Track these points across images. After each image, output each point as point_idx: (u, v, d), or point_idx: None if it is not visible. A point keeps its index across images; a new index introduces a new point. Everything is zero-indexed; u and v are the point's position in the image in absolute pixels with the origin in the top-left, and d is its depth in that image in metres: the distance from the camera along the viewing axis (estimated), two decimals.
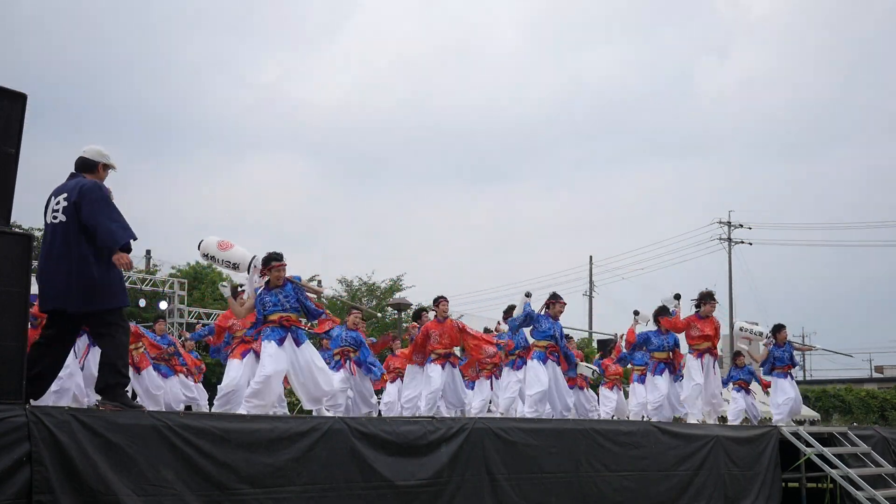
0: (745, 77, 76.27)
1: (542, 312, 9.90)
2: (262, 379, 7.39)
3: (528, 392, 9.74)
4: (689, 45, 76.59)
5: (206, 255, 8.08)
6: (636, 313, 11.20)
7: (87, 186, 5.42)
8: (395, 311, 25.87)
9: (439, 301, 10.22)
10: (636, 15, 75.07)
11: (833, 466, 9.42)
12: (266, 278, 7.77)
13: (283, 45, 73.70)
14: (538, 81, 76.68)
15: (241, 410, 7.64)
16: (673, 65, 75.38)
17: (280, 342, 7.51)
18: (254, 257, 7.89)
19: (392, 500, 6.08)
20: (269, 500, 5.41)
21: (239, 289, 8.84)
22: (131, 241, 5.47)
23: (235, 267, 7.96)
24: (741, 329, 12.13)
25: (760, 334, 11.71)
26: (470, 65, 74.85)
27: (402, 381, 11.61)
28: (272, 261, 7.77)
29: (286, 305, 7.65)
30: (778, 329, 11.49)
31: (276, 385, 7.60)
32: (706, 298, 10.46)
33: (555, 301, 9.91)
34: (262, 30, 71.24)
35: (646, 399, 11.51)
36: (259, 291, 7.84)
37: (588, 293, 38.06)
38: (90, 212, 5.33)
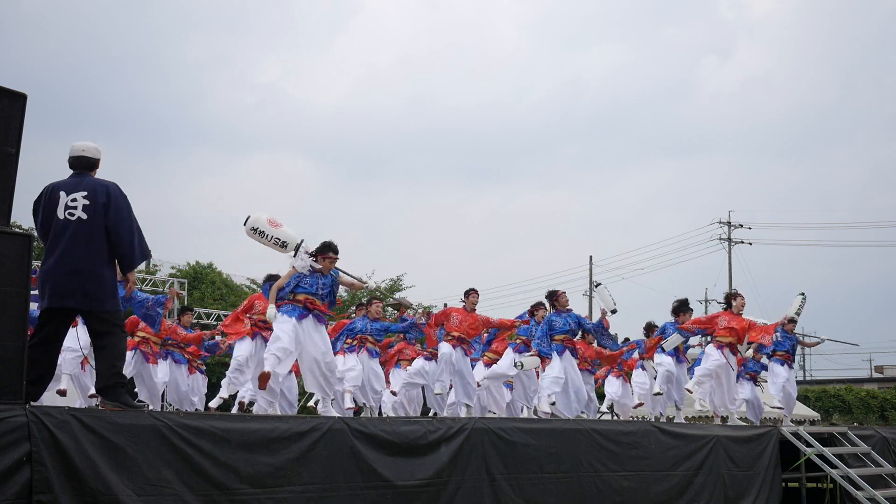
0: (745, 77, 76.33)
1: (551, 312, 10.20)
2: (276, 350, 7.38)
3: (542, 381, 9.98)
4: (689, 45, 76.63)
5: (254, 230, 7.65)
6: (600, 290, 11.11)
7: (115, 191, 5.52)
8: (395, 311, 25.89)
9: (470, 293, 10.42)
10: (637, 15, 75.15)
11: (833, 466, 9.41)
12: (308, 264, 7.72)
13: (284, 45, 73.77)
14: (539, 82, 76.77)
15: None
16: (674, 65, 75.45)
17: (300, 318, 7.50)
18: (302, 240, 7.76)
19: (392, 500, 6.09)
20: (269, 500, 5.42)
21: None
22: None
23: (283, 246, 7.69)
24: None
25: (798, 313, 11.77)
26: (471, 65, 74.90)
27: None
28: (330, 250, 7.77)
29: (319, 292, 7.69)
30: (790, 321, 11.63)
31: (288, 363, 7.55)
32: (735, 296, 10.61)
33: (555, 297, 10.08)
34: (263, 29, 71.31)
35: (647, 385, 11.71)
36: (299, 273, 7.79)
37: (588, 293, 38.02)
38: (118, 219, 5.47)
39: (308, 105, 71.29)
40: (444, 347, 10.04)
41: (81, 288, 5.34)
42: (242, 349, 9.53)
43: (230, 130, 65.30)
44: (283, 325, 7.45)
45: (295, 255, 7.73)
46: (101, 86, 62.03)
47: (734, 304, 10.51)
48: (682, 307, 11.17)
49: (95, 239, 5.40)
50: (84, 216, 5.40)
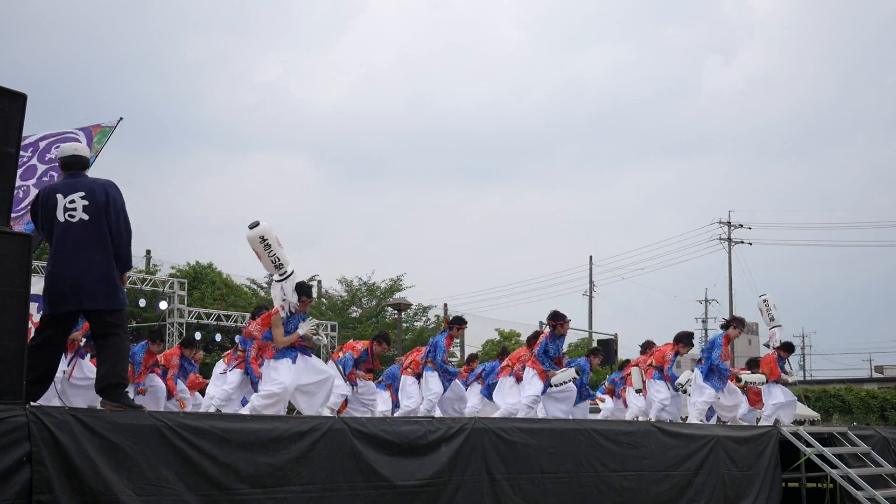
0: (746, 77, 76.43)
1: (550, 334, 9.95)
2: (277, 390, 7.40)
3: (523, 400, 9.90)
4: (690, 45, 76.64)
5: (262, 239, 7.24)
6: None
7: (113, 190, 5.51)
8: (395, 311, 25.89)
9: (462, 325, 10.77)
10: (637, 16, 75.14)
11: (833, 466, 9.41)
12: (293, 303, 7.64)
13: (284, 45, 73.82)
14: (539, 82, 76.77)
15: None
16: (674, 65, 75.46)
17: (293, 360, 7.55)
18: (293, 271, 7.53)
19: (392, 499, 6.08)
20: (268, 500, 5.41)
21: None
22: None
23: (278, 267, 7.41)
24: (765, 302, 11.99)
25: (772, 319, 11.70)
26: (471, 65, 74.98)
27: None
28: (306, 295, 7.77)
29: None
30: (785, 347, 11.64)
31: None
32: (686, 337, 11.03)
33: (562, 322, 9.87)
34: (263, 29, 71.39)
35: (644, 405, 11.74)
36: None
37: (588, 293, 38.07)
38: (118, 220, 5.47)
39: (308, 105, 71.45)
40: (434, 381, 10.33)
41: (87, 289, 5.34)
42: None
43: (230, 130, 65.43)
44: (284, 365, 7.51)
45: (283, 279, 7.46)
46: (101, 86, 62.19)
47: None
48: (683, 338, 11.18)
49: (101, 239, 5.39)
50: (86, 217, 5.38)
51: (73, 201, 5.39)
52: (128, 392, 5.61)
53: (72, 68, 63.19)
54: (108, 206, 5.43)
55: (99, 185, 5.50)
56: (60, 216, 5.38)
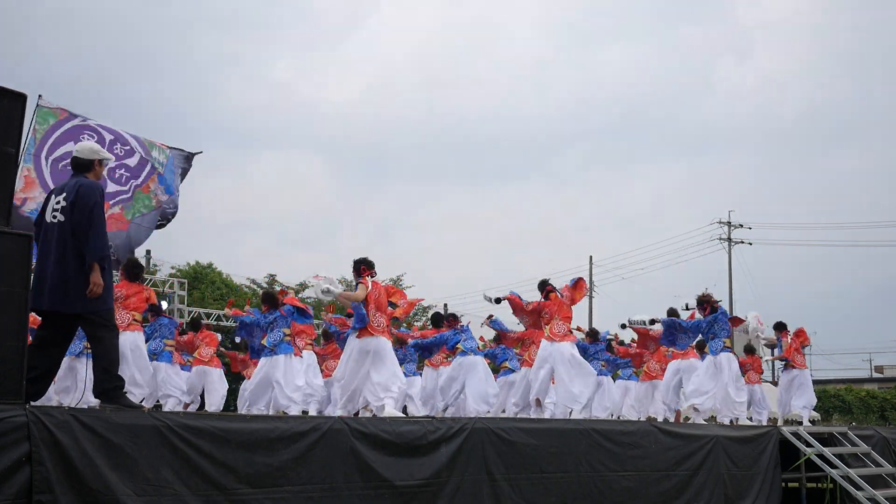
0: (758, 78, 76.49)
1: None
2: None
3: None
4: (704, 45, 76.71)
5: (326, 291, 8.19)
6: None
7: (84, 189, 5.41)
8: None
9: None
10: (652, 16, 75.16)
11: (833, 466, 9.41)
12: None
13: (298, 44, 73.87)
14: (552, 82, 76.81)
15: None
16: (688, 65, 75.54)
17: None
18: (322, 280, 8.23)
19: (391, 500, 6.08)
20: (268, 500, 5.42)
21: None
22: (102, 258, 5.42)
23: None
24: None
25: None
26: (484, 64, 75.00)
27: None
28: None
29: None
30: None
31: None
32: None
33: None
34: (277, 27, 71.41)
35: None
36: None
37: (588, 293, 38.05)
38: (79, 218, 5.35)
39: (320, 104, 71.43)
40: None
41: (64, 291, 5.32)
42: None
43: (241, 128, 65.43)
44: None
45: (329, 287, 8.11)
46: (110, 83, 62.25)
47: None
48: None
49: (67, 241, 5.35)
50: (62, 218, 5.39)
51: (58, 202, 5.44)
52: (126, 392, 5.60)
53: (82, 65, 63.29)
54: (73, 205, 5.36)
55: (76, 185, 5.45)
56: (48, 216, 5.45)
